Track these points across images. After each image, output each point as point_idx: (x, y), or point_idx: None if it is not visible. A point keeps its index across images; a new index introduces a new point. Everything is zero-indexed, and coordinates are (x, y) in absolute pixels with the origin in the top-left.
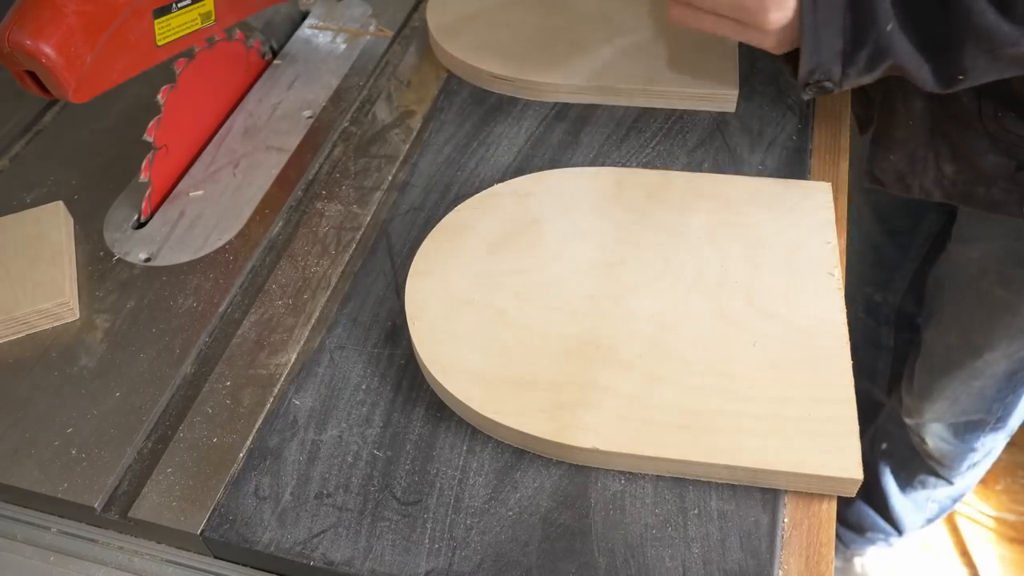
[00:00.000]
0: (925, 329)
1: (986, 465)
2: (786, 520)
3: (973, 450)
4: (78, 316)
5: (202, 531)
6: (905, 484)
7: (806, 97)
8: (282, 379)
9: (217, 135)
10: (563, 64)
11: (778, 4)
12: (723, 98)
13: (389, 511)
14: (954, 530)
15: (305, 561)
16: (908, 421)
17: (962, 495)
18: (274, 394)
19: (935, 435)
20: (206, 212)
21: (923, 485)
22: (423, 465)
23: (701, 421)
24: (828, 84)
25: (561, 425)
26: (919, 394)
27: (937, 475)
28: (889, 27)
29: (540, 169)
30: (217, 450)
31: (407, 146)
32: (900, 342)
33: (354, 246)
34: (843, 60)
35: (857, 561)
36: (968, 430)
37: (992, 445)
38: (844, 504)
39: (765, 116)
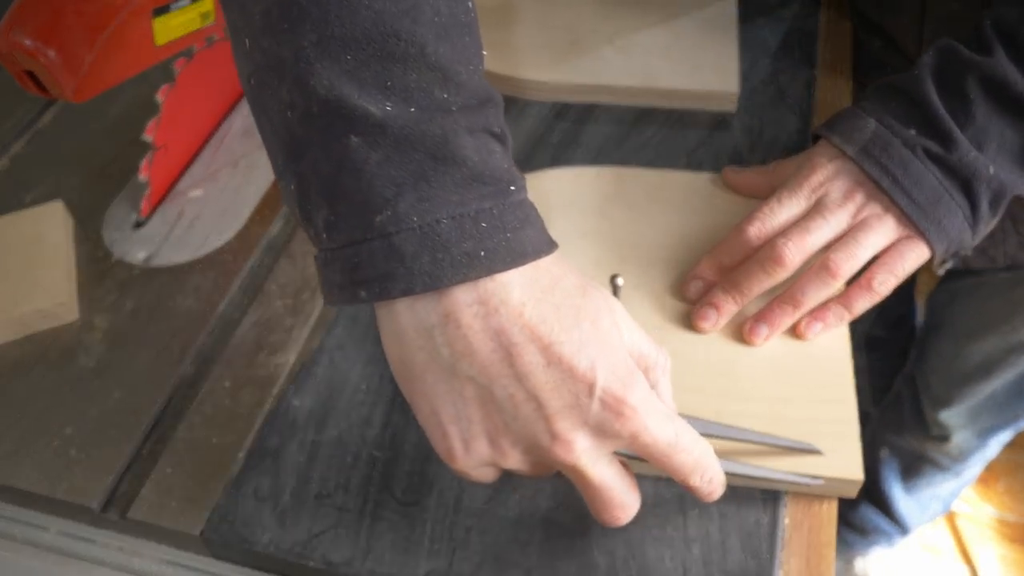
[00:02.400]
0: (934, 342)
1: (992, 455)
2: (787, 521)
3: (989, 446)
4: (77, 316)
5: (202, 531)
6: (910, 485)
7: (943, 271)
8: (282, 379)
9: (216, 135)
10: (563, 64)
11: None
12: (723, 98)
13: (389, 511)
14: (954, 530)
15: (305, 561)
16: (935, 431)
17: (965, 487)
18: (274, 394)
19: (960, 438)
20: (205, 212)
21: (930, 483)
22: (423, 466)
23: None
24: (964, 252)
25: None
26: (945, 402)
27: (946, 470)
28: (992, 170)
29: (540, 169)
30: (217, 450)
31: None
32: (873, 360)
33: None
34: (971, 224)
35: (858, 562)
36: (997, 430)
37: (1007, 437)
38: (848, 507)
39: (765, 116)
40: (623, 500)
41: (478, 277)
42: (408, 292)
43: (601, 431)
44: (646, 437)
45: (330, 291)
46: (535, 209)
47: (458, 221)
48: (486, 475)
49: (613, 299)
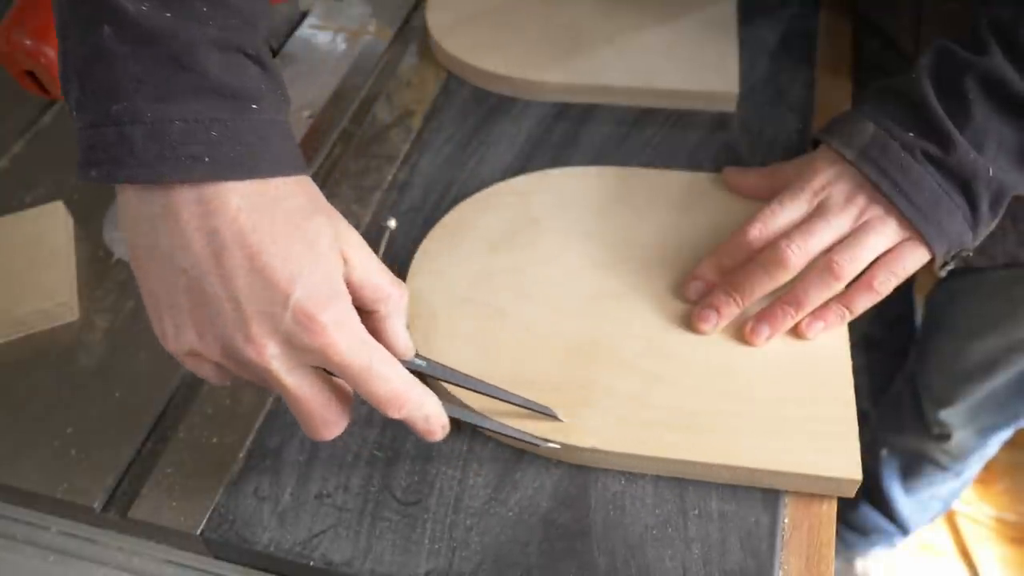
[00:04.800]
0: (934, 341)
1: (991, 454)
2: (786, 520)
3: (989, 445)
4: (78, 316)
5: (202, 531)
6: (910, 484)
7: (944, 273)
8: None
9: None
10: (563, 64)
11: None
12: (723, 98)
13: (389, 511)
14: (954, 530)
15: (305, 561)
16: (936, 431)
17: (964, 487)
18: (274, 394)
19: (961, 437)
20: None
21: (930, 483)
22: (423, 465)
23: (701, 421)
24: (965, 253)
25: (561, 425)
26: (945, 402)
27: (946, 469)
28: (991, 171)
29: (540, 169)
30: (217, 450)
31: (407, 146)
32: (872, 359)
33: None
34: (971, 225)
35: (858, 562)
36: (998, 428)
37: (1007, 436)
38: (848, 507)
39: (765, 116)
40: (323, 415)
41: (200, 181)
42: (131, 180)
43: (291, 342)
44: (335, 356)
45: (77, 166)
46: (284, 132)
47: (189, 125)
48: (204, 370)
49: (349, 232)
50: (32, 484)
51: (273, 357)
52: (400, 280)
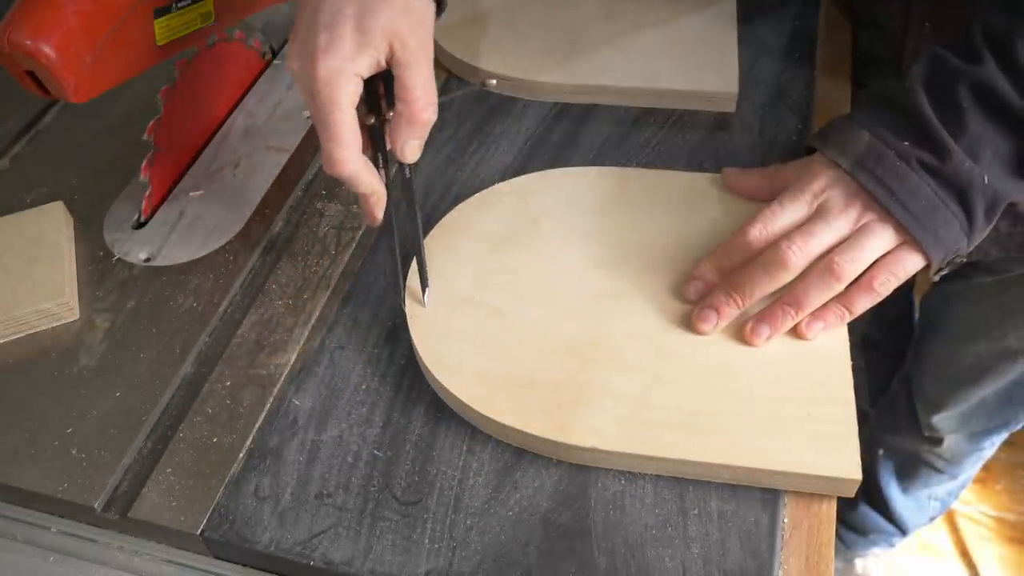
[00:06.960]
0: (929, 344)
1: (988, 456)
2: (786, 520)
3: (983, 448)
4: (78, 316)
5: (202, 531)
6: (907, 485)
7: (938, 278)
8: (282, 379)
9: (217, 135)
10: (563, 64)
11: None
12: (723, 98)
13: (389, 511)
14: (954, 530)
15: (305, 561)
16: (927, 433)
17: (963, 488)
18: (274, 394)
19: (952, 441)
20: (206, 212)
21: (925, 484)
22: (423, 465)
23: (701, 421)
24: (959, 259)
25: (561, 424)
26: (937, 406)
27: (941, 471)
28: (986, 179)
29: (540, 169)
30: (217, 450)
31: None
32: (870, 360)
33: (354, 245)
34: (967, 233)
35: (858, 562)
36: (989, 434)
37: (1000, 440)
38: (847, 507)
39: (765, 116)
40: (326, 140)
41: None
42: None
43: (303, 69)
44: (309, 95)
45: None
46: None
47: None
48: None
49: (413, 38)
50: (32, 484)
51: (296, 74)
52: (433, 104)
